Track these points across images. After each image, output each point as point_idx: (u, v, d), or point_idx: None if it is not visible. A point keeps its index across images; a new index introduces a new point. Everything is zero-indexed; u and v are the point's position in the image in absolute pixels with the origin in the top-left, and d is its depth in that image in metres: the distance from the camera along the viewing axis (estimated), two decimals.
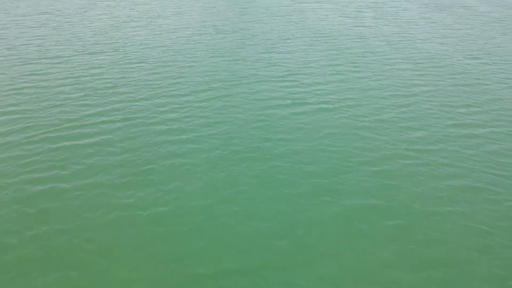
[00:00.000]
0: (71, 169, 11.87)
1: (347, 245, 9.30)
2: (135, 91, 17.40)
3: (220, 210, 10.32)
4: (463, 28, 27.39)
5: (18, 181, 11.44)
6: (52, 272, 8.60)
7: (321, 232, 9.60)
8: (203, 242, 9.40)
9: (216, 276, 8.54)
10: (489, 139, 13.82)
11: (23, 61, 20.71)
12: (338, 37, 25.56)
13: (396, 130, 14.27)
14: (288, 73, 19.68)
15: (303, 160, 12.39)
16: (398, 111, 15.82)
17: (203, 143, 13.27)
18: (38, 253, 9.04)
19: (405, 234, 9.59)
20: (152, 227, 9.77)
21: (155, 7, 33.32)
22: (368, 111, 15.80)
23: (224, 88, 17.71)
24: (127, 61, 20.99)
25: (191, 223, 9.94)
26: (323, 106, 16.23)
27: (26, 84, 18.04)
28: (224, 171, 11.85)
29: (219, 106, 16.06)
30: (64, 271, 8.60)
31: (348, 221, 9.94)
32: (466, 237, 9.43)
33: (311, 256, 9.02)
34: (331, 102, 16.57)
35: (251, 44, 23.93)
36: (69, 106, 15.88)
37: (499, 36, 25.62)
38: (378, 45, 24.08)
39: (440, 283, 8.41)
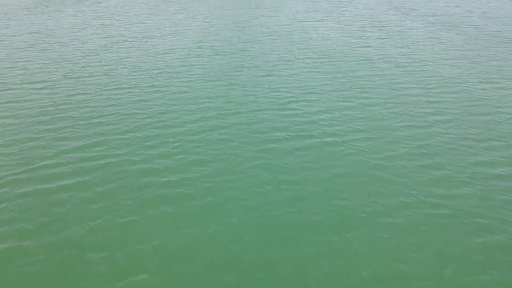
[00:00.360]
0: (37, 223, 10.13)
1: None
2: (122, 121, 15.78)
3: (212, 280, 8.55)
4: (475, 49, 25.97)
5: None
6: None
7: None
8: None
9: None
10: None
11: (4, 87, 19.17)
12: (343, 58, 24.13)
13: (414, 170, 12.56)
14: (290, 100, 18.10)
15: (309, 209, 10.66)
16: (413, 145, 14.16)
17: (193, 188, 11.55)
18: None
19: None
20: None
21: (151, 26, 32.07)
22: (380, 145, 14.14)
23: (219, 118, 16.10)
24: (116, 86, 19.45)
25: None
26: (330, 139, 14.57)
27: (2, 113, 16.44)
28: (217, 224, 10.11)
29: (213, 139, 14.40)
30: None
31: None
32: None
33: None
34: (338, 134, 14.93)
35: (250, 67, 22.46)
36: (46, 141, 14.23)
37: None
38: (386, 67, 22.60)
39: None
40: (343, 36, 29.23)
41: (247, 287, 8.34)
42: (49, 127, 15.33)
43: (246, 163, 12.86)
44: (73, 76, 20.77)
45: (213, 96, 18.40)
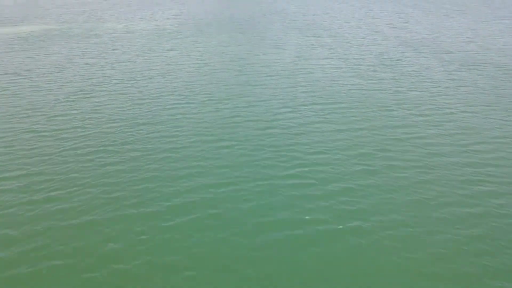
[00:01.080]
0: None
1: None
2: (80, 196, 12.30)
3: None
4: (504, 94, 22.79)
5: None
6: None
7: None
8: None
9: None
10: None
11: None
12: (355, 105, 20.93)
13: (478, 281, 8.95)
14: (297, 163, 14.69)
15: None
16: (466, 236, 10.59)
17: None
18: None
19: None
20: None
21: (140, 65, 29.23)
22: (420, 237, 10.58)
23: (207, 194, 12.62)
24: (84, 144, 16.12)
25: None
26: (353, 226, 11.04)
27: None
28: None
29: (196, 228, 10.87)
30: None
31: None
32: None
33: None
34: (362, 218, 11.40)
35: (248, 117, 19.20)
36: None
37: None
38: (406, 116, 19.35)
39: None
40: (352, 77, 26.24)
41: None
42: None
43: (238, 271, 9.26)
44: (37, 130, 17.50)
45: (202, 158, 15.01)
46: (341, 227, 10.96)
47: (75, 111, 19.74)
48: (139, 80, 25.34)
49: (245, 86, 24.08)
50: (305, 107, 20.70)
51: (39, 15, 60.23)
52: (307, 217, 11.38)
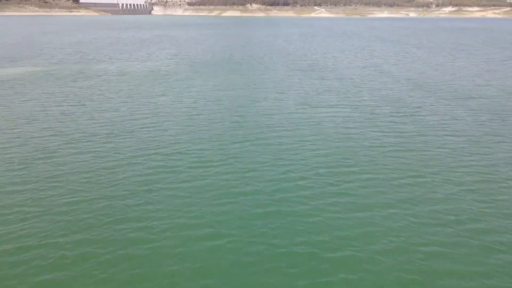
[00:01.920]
0: None
1: None
2: None
3: None
4: None
5: None
6: None
7: None
8: None
9: None
10: None
11: None
12: (377, 169, 16.88)
13: None
14: (310, 269, 10.41)
15: None
16: None
17: None
18: None
19: None
20: None
21: (123, 114, 25.55)
22: None
23: None
24: (24, 233, 11.87)
25: None
26: None
27: None
28: None
29: None
30: None
31: None
32: None
33: None
34: None
35: (244, 187, 15.10)
36: None
37: None
38: (443, 185, 15.27)
39: None
40: (368, 130, 22.42)
41: None
42: None
43: None
44: None
45: (176, 261, 10.77)
46: None
47: (28, 179, 15.71)
48: (118, 134, 21.50)
49: (242, 143, 20.18)
50: (314, 172, 16.65)
51: (30, 55, 57.83)
52: None
